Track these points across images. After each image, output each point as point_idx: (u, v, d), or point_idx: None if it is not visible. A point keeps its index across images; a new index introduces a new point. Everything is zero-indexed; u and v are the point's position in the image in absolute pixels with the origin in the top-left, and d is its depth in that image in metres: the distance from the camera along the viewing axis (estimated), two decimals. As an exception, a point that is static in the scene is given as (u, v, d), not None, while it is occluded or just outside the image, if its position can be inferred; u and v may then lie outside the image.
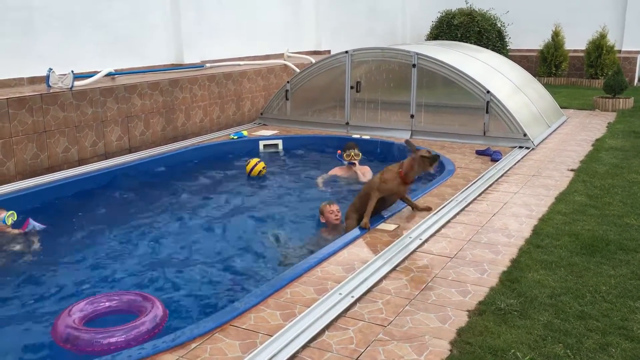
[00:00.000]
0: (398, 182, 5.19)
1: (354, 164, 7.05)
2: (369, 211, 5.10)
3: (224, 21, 11.07)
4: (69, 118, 6.96)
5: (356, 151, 7.09)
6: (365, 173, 7.05)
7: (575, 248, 4.54)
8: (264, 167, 7.25)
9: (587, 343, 3.25)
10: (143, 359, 3.03)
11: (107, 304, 3.78)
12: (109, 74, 8.20)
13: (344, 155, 7.11)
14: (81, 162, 7.13)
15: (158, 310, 3.60)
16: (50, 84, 7.22)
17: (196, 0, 10.31)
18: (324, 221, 5.53)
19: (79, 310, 3.64)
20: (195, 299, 4.19)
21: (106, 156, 7.44)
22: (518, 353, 3.14)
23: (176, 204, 6.35)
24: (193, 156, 7.99)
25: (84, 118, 7.14)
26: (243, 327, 3.41)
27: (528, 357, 3.09)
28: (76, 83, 7.22)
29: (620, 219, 5.17)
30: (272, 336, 3.28)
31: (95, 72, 7.98)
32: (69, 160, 6.99)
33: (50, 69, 7.27)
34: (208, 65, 10.07)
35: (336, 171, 7.24)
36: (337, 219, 5.47)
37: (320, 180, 7.09)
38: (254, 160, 7.29)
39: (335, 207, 5.52)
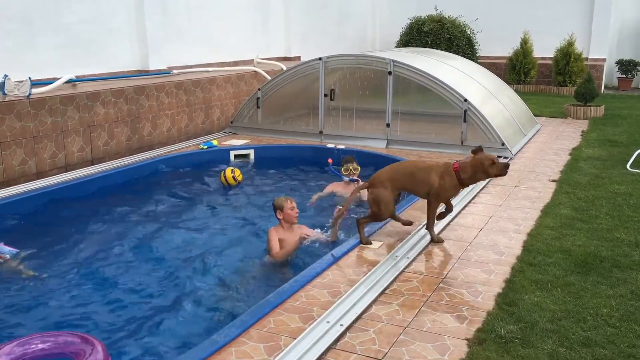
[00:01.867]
0: (456, 188, 4.78)
1: (357, 180, 6.53)
2: (432, 223, 4.77)
3: (192, 26, 10.69)
4: (26, 128, 6.49)
5: (355, 165, 6.70)
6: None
7: (569, 266, 4.35)
8: (239, 174, 7.06)
9: (597, 375, 3.03)
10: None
11: (40, 346, 3.21)
12: (69, 81, 7.74)
13: (342, 170, 6.72)
14: (40, 175, 6.66)
15: (98, 354, 3.09)
16: (5, 91, 6.73)
17: (162, 3, 9.92)
18: (280, 218, 5.07)
19: (5, 353, 3.11)
20: (156, 336, 3.77)
21: (67, 168, 6.98)
22: (527, 389, 2.89)
23: (138, 222, 5.91)
24: (160, 168, 7.57)
25: (42, 128, 6.67)
26: (223, 365, 3.08)
27: (538, 393, 2.85)
28: (34, 90, 6.76)
29: (610, 233, 5.01)
30: (257, 375, 2.96)
31: (55, 79, 7.51)
32: (26, 173, 6.52)
33: (6, 76, 6.78)
34: (175, 71, 9.68)
35: (333, 187, 6.74)
36: (296, 218, 5.10)
37: (315, 197, 6.55)
38: (228, 170, 7.05)
39: (295, 204, 5.12)
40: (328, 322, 3.51)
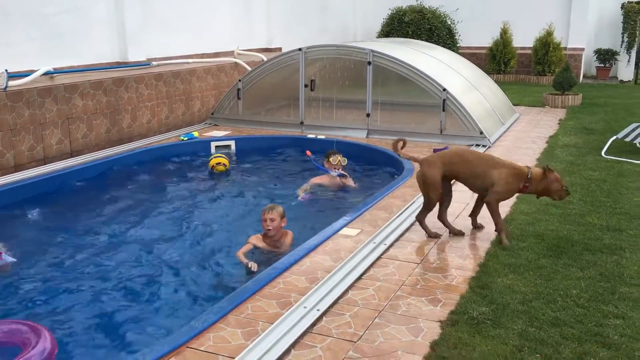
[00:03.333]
0: (513, 193, 4.69)
1: (345, 175, 6.48)
2: (501, 223, 4.57)
3: (171, 17, 10.63)
4: (4, 120, 6.45)
5: (342, 157, 6.58)
6: (349, 183, 6.56)
7: (542, 250, 4.45)
8: (227, 162, 7.24)
9: (565, 352, 3.12)
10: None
11: None
12: (47, 73, 7.67)
13: (326, 162, 6.62)
14: (17, 167, 6.62)
15: (46, 342, 3.08)
16: (-19, 83, 6.67)
17: (141, -6, 9.84)
18: (264, 226, 4.79)
19: None
20: (134, 323, 3.80)
21: (45, 161, 6.94)
22: (496, 367, 2.98)
23: (118, 211, 5.93)
24: (140, 159, 7.56)
25: (20, 120, 6.63)
26: (201, 349, 3.12)
27: (507, 371, 2.94)
28: (11, 83, 6.70)
29: (582, 218, 5.13)
30: (234, 358, 3.01)
31: (32, 71, 7.45)
32: (4, 166, 6.48)
33: (-18, 68, 6.73)
34: (154, 63, 9.64)
35: (319, 180, 6.59)
36: (269, 231, 4.74)
37: (301, 191, 6.42)
38: (216, 157, 7.25)
39: (272, 216, 4.71)
40: (305, 307, 3.57)
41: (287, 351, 3.12)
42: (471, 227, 4.92)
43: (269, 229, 4.75)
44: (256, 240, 4.85)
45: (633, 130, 7.69)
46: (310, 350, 3.14)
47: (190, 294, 4.23)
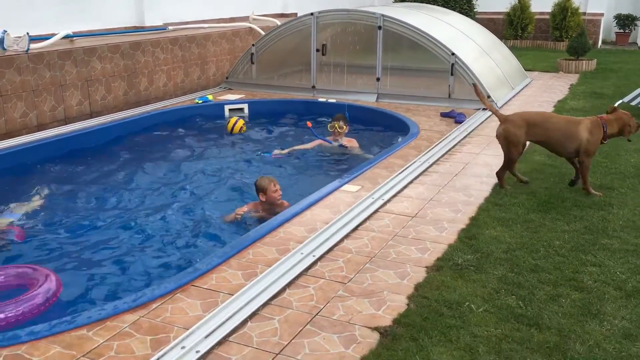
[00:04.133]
0: (598, 144, 4.87)
1: (346, 147, 6.69)
2: (587, 177, 4.81)
3: (187, -18, 10.80)
4: (26, 82, 6.77)
5: (341, 124, 6.78)
6: (353, 145, 6.81)
7: (532, 205, 4.66)
8: (244, 124, 7.58)
9: (539, 294, 3.36)
10: (103, 320, 3.03)
11: None
12: (66, 37, 7.96)
13: (329, 127, 6.88)
14: (40, 127, 6.97)
15: (51, 283, 3.41)
16: (5, 46, 6.97)
17: (157, -40, 10.01)
18: (263, 199, 4.98)
19: None
20: (148, 266, 4.15)
21: (66, 121, 7.28)
22: (472, 305, 3.24)
23: (133, 171, 6.25)
24: (157, 121, 7.86)
25: (41, 82, 6.95)
26: (205, 287, 3.43)
27: (482, 309, 3.20)
28: (32, 46, 7.01)
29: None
30: (233, 295, 3.32)
31: (52, 35, 7.74)
32: (28, 125, 6.83)
33: (5, 31, 7.01)
34: (171, 27, 9.86)
35: (319, 142, 6.86)
36: (279, 199, 5.00)
37: (298, 148, 6.80)
38: (234, 119, 7.59)
39: (279, 187, 5.00)
40: (302, 253, 3.85)
41: (283, 290, 3.42)
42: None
43: (279, 199, 4.99)
44: (253, 207, 5.05)
45: (639, 94, 7.75)
46: (304, 290, 3.43)
47: (197, 245, 4.55)
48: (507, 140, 4.95)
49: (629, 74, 10.92)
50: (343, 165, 6.49)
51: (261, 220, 4.78)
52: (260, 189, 5.00)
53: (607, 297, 3.34)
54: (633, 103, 7.58)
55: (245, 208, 5.03)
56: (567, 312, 3.19)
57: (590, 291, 3.40)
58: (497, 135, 5.09)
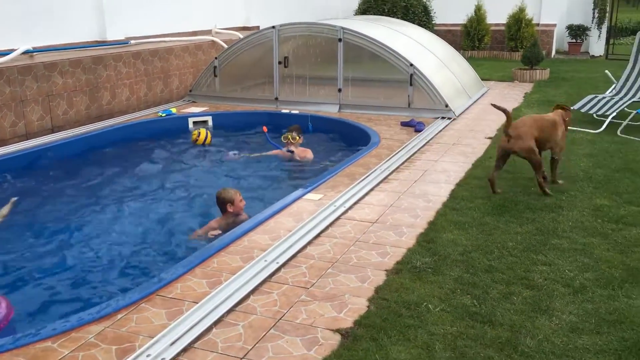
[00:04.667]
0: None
1: (293, 152, 6.86)
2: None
3: (149, -4, 10.81)
4: (-15, 98, 6.71)
5: (294, 135, 6.96)
6: (306, 156, 6.97)
7: (487, 209, 4.85)
8: (209, 136, 7.70)
9: (492, 293, 3.53)
10: (68, 331, 3.07)
11: None
12: (26, 52, 7.91)
13: (282, 137, 7.05)
14: (1, 143, 6.89)
15: (0, 308, 3.41)
16: (-38, 62, 6.92)
17: (118, -26, 10.02)
18: (231, 210, 5.01)
19: None
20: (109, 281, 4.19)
21: (27, 136, 7.22)
22: (430, 305, 3.38)
23: (98, 184, 6.25)
24: (119, 135, 7.86)
25: (1, 97, 6.89)
26: (169, 296, 3.49)
27: (438, 308, 3.34)
28: (-9, 61, 6.95)
29: (530, 182, 5.52)
30: (198, 303, 3.39)
31: (11, 50, 7.68)
32: (-13, 141, 6.76)
33: (-38, 47, 6.96)
34: (133, 42, 9.85)
35: (278, 152, 7.05)
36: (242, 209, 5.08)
37: (256, 155, 6.98)
38: (199, 130, 7.72)
39: (241, 194, 5.10)
40: (266, 260, 3.94)
41: (247, 296, 3.50)
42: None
43: (243, 208, 5.07)
44: (216, 223, 5.02)
45: (589, 101, 8.10)
46: (267, 296, 3.52)
47: (157, 259, 4.59)
48: (530, 150, 5.17)
49: (580, 82, 11.36)
50: (297, 175, 6.64)
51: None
52: (228, 201, 5.02)
53: (556, 294, 3.52)
54: (583, 110, 7.91)
55: (215, 228, 4.94)
56: (518, 309, 3.36)
57: (540, 289, 3.58)
58: (518, 151, 5.22)
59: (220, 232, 4.84)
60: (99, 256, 4.56)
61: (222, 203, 5.05)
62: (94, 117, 8.20)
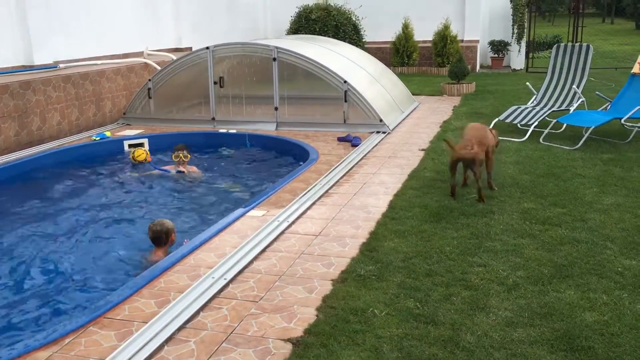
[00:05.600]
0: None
1: (183, 172, 7.08)
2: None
3: (78, 19, 10.63)
4: None
5: (185, 153, 7.15)
6: (195, 174, 7.21)
7: (425, 217, 5.07)
8: (147, 153, 7.73)
9: (434, 295, 3.71)
10: (14, 359, 3.00)
11: None
12: (-51, 78, 7.61)
13: (173, 156, 7.23)
14: None
15: None
16: None
17: (44, -3, 9.81)
18: (173, 238, 4.90)
19: None
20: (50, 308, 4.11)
21: (-47, 166, 6.94)
22: (375, 310, 3.52)
23: (33, 211, 6.09)
24: (51, 160, 7.66)
25: None
26: (118, 318, 3.47)
27: (384, 313, 3.48)
28: None
29: (462, 189, 5.81)
30: (147, 322, 3.38)
31: None
32: None
33: None
34: (62, 65, 9.65)
35: (157, 172, 7.28)
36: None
37: (146, 174, 7.20)
38: (137, 150, 7.76)
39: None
40: (213, 277, 3.98)
41: (197, 313, 3.53)
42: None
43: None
44: (153, 256, 4.84)
45: (512, 112, 8.58)
46: (217, 311, 3.56)
47: (103, 282, 4.53)
48: (481, 162, 5.55)
49: (504, 94, 11.98)
50: (190, 193, 6.76)
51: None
52: (172, 231, 4.88)
53: (492, 292, 3.74)
54: (508, 120, 8.37)
55: (161, 255, 4.78)
56: (458, 308, 3.55)
57: (477, 288, 3.79)
58: (472, 161, 5.48)
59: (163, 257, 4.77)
60: (37, 284, 4.45)
61: (165, 235, 4.84)
62: (24, 144, 7.97)
